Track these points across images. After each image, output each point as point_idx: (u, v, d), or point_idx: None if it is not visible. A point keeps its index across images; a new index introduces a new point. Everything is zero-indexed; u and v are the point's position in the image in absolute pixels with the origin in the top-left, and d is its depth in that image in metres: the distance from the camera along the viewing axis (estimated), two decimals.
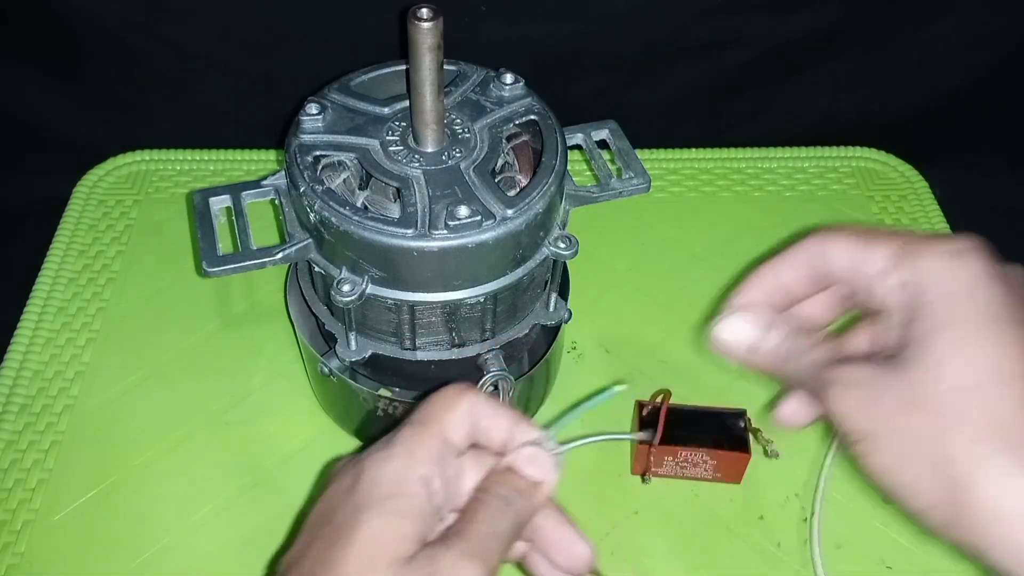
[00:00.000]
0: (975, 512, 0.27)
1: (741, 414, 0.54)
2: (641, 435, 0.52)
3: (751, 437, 0.53)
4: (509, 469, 0.34)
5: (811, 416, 0.35)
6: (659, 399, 0.52)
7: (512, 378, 0.48)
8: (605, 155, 0.51)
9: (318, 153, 0.45)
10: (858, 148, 0.78)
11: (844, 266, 0.32)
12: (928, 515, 0.28)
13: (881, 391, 0.29)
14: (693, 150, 0.77)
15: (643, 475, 0.54)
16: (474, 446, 0.35)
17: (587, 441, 0.38)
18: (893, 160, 0.78)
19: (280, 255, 0.44)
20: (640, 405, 0.54)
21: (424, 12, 0.40)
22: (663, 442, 0.51)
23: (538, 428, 0.36)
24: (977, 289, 0.29)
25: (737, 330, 0.34)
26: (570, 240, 0.46)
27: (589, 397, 0.38)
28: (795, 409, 0.36)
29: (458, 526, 0.32)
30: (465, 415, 0.34)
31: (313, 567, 0.30)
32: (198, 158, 0.75)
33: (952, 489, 0.27)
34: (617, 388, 0.38)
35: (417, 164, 0.44)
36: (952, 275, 0.29)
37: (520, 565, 0.37)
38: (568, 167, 0.47)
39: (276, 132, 0.67)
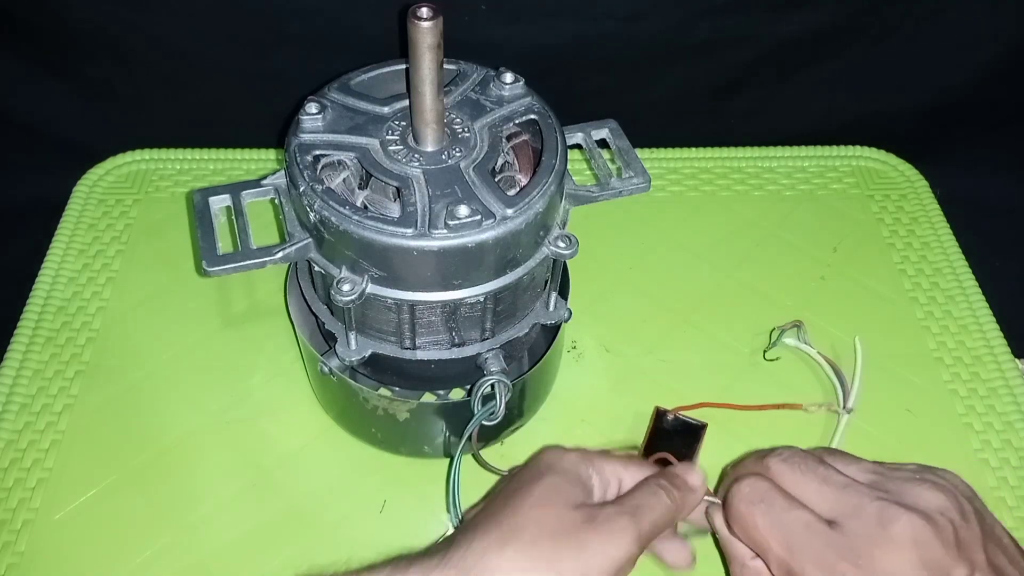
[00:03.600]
0: None
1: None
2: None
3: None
4: (674, 474, 0.43)
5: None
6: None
7: (509, 382, 0.48)
8: (605, 154, 0.51)
9: (318, 152, 0.45)
10: (858, 148, 0.78)
11: None
12: None
13: None
14: (693, 150, 0.77)
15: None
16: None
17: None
18: (893, 160, 0.78)
19: (280, 254, 0.44)
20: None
21: (424, 11, 0.40)
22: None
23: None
24: None
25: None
26: (570, 239, 0.46)
27: None
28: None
29: (619, 498, 0.42)
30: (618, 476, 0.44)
31: (506, 499, 0.40)
32: (198, 158, 0.75)
33: None
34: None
35: (417, 163, 0.44)
36: None
37: None
38: (568, 166, 0.47)
39: (276, 132, 0.67)
